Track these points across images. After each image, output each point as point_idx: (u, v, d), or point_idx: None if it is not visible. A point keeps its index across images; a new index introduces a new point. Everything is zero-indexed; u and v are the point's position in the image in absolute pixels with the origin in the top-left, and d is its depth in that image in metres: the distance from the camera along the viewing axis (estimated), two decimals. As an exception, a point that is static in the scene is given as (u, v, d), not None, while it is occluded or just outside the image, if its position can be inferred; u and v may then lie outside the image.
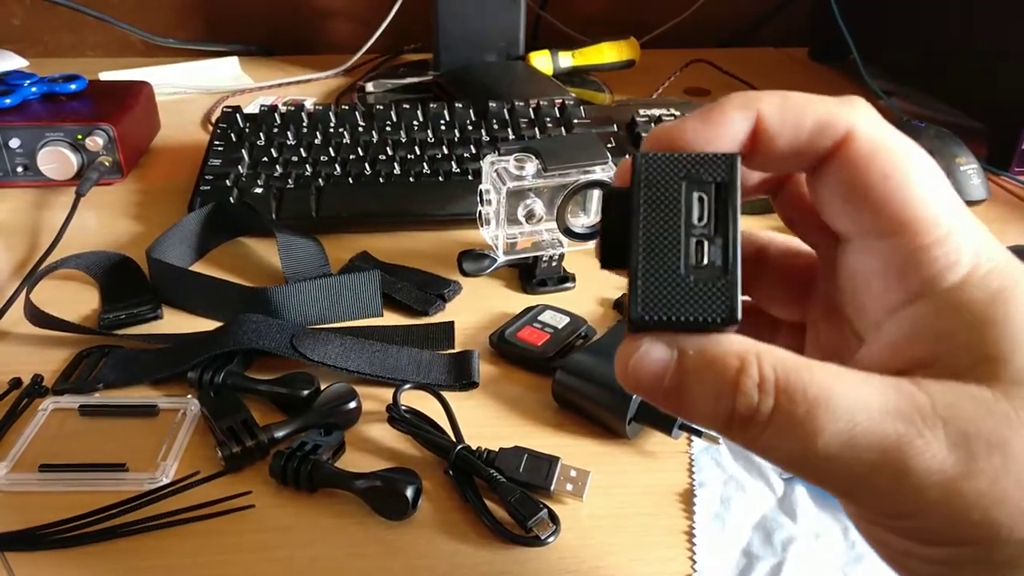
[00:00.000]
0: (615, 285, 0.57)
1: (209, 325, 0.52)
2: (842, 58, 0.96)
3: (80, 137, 0.67)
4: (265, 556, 0.37)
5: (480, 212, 0.55)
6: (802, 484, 0.41)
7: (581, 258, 0.60)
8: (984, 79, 0.78)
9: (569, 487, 0.39)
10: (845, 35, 0.89)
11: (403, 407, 0.43)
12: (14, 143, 0.67)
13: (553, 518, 0.38)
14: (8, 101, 0.68)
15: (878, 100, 0.90)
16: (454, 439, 0.42)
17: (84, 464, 0.40)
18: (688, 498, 0.40)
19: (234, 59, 1.00)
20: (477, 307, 0.54)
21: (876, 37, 0.92)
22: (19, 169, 0.68)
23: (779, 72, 1.04)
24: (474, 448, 0.41)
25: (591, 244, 0.55)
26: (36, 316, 0.50)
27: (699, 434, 0.42)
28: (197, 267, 0.58)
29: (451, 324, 0.52)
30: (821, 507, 0.39)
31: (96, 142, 0.67)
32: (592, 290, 0.57)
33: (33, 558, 0.36)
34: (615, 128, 0.73)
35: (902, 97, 0.91)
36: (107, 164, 0.68)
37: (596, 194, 0.54)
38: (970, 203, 0.69)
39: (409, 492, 0.38)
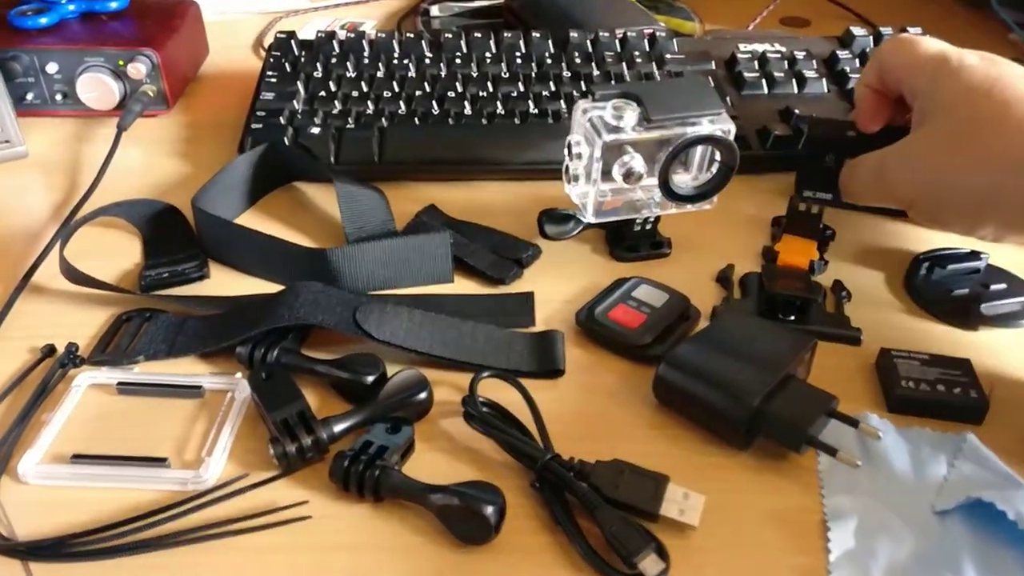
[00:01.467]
0: (716, 251, 0.50)
1: (260, 286, 0.46)
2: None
3: (121, 63, 0.61)
4: (323, 579, 0.32)
5: (566, 167, 0.47)
6: (961, 520, 0.34)
7: (677, 222, 0.52)
8: None
9: (678, 512, 0.33)
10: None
11: (481, 400, 0.37)
12: (51, 68, 0.61)
13: (661, 553, 0.32)
14: (44, 20, 0.62)
15: (1010, 33, 0.78)
16: (541, 445, 0.36)
17: (121, 456, 0.35)
18: (818, 529, 0.34)
19: (288, -24, 0.92)
20: (558, 274, 0.48)
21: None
22: (58, 96, 0.62)
23: (892, 4, 0.92)
24: (565, 459, 0.35)
25: (692, 207, 0.48)
26: (72, 273, 0.44)
27: (833, 453, 0.35)
28: (247, 216, 0.52)
29: (530, 296, 0.46)
30: (988, 555, 0.32)
31: (139, 69, 0.61)
32: (689, 259, 0.49)
33: (63, 569, 0.32)
34: (712, 65, 0.64)
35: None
36: (151, 94, 0.62)
37: (699, 149, 0.46)
38: None
39: (491, 513, 0.32)
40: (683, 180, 0.47)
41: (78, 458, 0.35)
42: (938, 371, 0.40)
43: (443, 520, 0.33)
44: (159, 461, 0.35)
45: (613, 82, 0.62)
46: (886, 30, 0.67)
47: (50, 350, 0.41)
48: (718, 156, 0.46)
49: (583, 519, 0.33)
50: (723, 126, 0.45)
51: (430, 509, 0.33)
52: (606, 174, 0.45)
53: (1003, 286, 0.46)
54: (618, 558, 0.32)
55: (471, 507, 0.32)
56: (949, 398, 0.39)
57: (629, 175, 0.45)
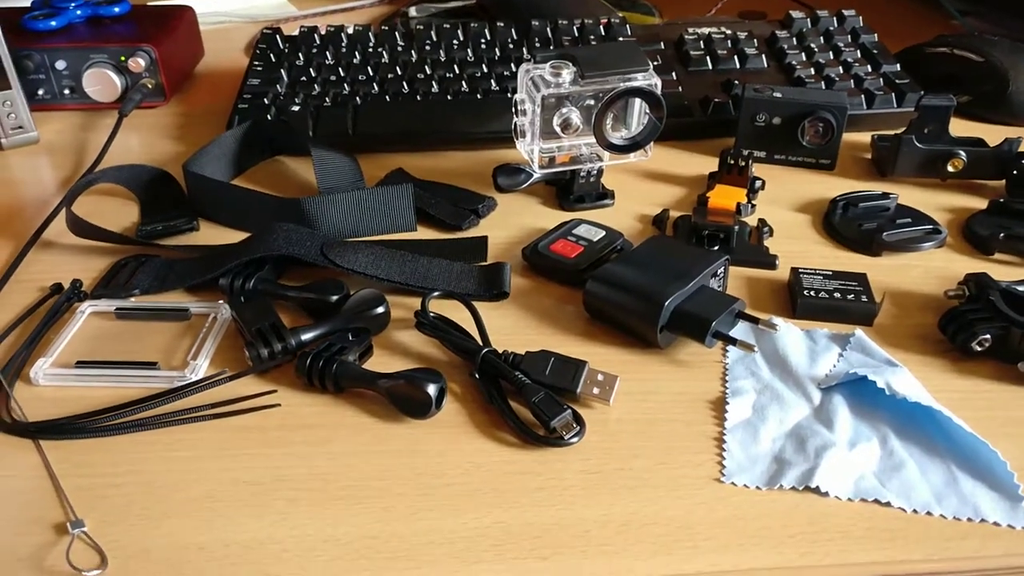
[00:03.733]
0: (655, 202, 0.55)
1: (244, 237, 0.52)
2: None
3: (123, 59, 0.67)
4: (289, 451, 0.37)
5: (515, 124, 0.53)
6: (841, 394, 0.39)
7: (620, 174, 0.58)
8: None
9: (596, 391, 0.38)
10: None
11: (431, 313, 0.43)
12: (60, 65, 0.68)
13: (578, 419, 0.37)
14: (53, 23, 0.69)
15: (952, 20, 0.84)
16: (481, 343, 0.41)
17: (118, 361, 0.41)
18: (720, 406, 0.39)
19: (279, -11, 0.99)
20: (512, 223, 0.53)
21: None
22: (65, 91, 0.69)
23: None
24: (501, 352, 0.40)
25: (632, 157, 0.54)
26: (77, 225, 0.50)
27: (734, 342, 0.40)
28: (235, 184, 0.58)
29: (484, 239, 0.51)
30: (860, 418, 0.38)
31: (139, 63, 0.67)
32: (631, 207, 0.55)
33: (68, 445, 0.37)
34: (662, 46, 0.71)
35: (978, 17, 0.85)
36: (149, 86, 0.68)
37: (638, 104, 0.52)
38: (1044, 119, 0.64)
39: (432, 390, 0.37)
40: (622, 134, 0.53)
41: (81, 363, 0.41)
42: (838, 283, 0.45)
43: (392, 400, 0.38)
44: (150, 365, 0.41)
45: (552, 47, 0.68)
46: (822, 13, 0.73)
47: (58, 288, 0.47)
48: (647, 110, 0.52)
49: (515, 401, 0.39)
50: (650, 80, 0.50)
51: (380, 392, 0.38)
52: (547, 128, 0.51)
53: (908, 220, 0.52)
54: (542, 426, 0.37)
55: (415, 385, 0.37)
56: (845, 304, 0.44)
57: (567, 126, 0.50)
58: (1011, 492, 0.34)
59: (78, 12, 0.71)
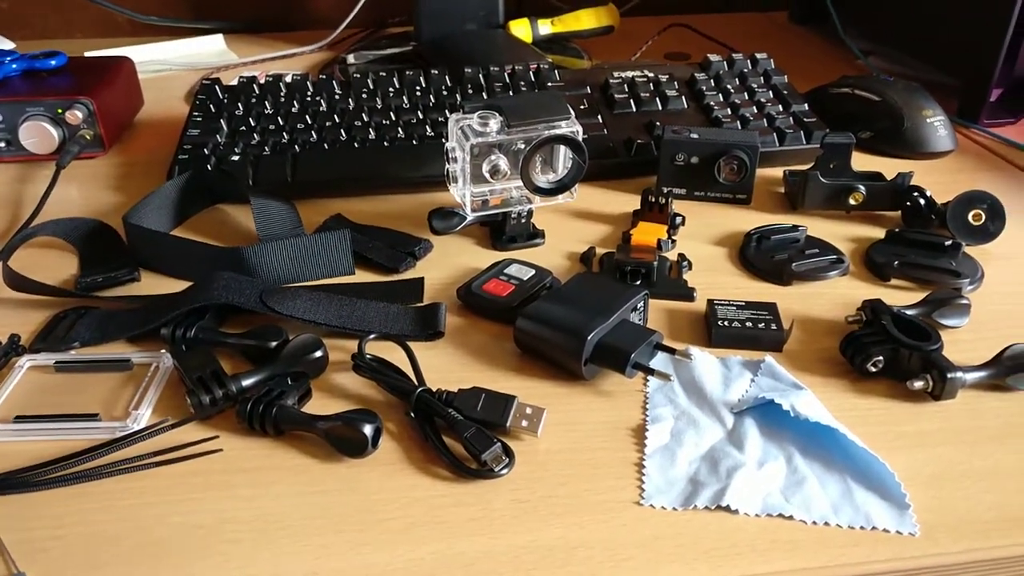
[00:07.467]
0: (583, 240, 0.58)
1: (185, 286, 0.53)
2: (822, 20, 0.96)
3: (60, 111, 0.68)
4: (232, 494, 0.38)
5: (448, 171, 0.56)
6: (752, 417, 0.42)
7: (550, 214, 0.61)
8: (957, 36, 0.78)
9: (524, 424, 0.41)
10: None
11: (368, 356, 0.45)
12: (-4, 119, 0.68)
13: (507, 452, 0.39)
14: (-11, 78, 0.69)
15: (856, 60, 0.90)
16: (416, 383, 0.43)
17: (58, 415, 0.42)
18: (641, 433, 0.42)
19: (219, 36, 1.01)
20: (447, 264, 0.56)
21: (853, -4, 0.92)
22: (1, 144, 0.69)
23: (759, 36, 1.04)
24: (435, 390, 0.42)
25: (559, 199, 0.57)
26: (14, 279, 0.51)
27: (652, 372, 0.43)
28: (176, 233, 0.60)
29: (420, 280, 0.54)
30: (768, 438, 0.41)
31: (76, 116, 0.68)
32: (561, 246, 0.58)
33: (9, 500, 0.38)
34: (588, 90, 0.74)
35: (880, 57, 0.92)
36: (88, 137, 0.69)
37: (563, 150, 0.55)
38: (937, 154, 0.70)
39: (368, 430, 0.39)
40: (549, 177, 0.56)
41: (20, 418, 0.42)
42: (749, 313, 0.49)
43: (330, 441, 0.40)
44: (91, 416, 0.42)
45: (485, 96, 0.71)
46: (738, 56, 0.78)
47: (-3, 342, 0.48)
48: (571, 154, 0.55)
49: (449, 437, 0.41)
50: (571, 128, 0.54)
51: (319, 434, 0.40)
52: (477, 174, 0.54)
53: (816, 250, 0.56)
54: (473, 460, 0.39)
55: (351, 426, 0.39)
56: (756, 332, 0.47)
57: (495, 172, 0.53)
58: (899, 501, 0.37)
59: (13, 66, 0.71)
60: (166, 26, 1.04)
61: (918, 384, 0.43)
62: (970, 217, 0.56)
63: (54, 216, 0.59)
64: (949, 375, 0.43)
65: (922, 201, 0.58)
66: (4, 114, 0.68)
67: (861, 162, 0.67)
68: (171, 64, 0.93)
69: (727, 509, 0.37)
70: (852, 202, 0.59)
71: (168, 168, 0.64)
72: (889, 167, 0.64)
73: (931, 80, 0.77)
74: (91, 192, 0.66)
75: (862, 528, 0.36)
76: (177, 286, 0.53)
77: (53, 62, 0.73)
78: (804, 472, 0.39)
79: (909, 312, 0.47)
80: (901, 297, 0.51)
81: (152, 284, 0.54)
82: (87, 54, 0.90)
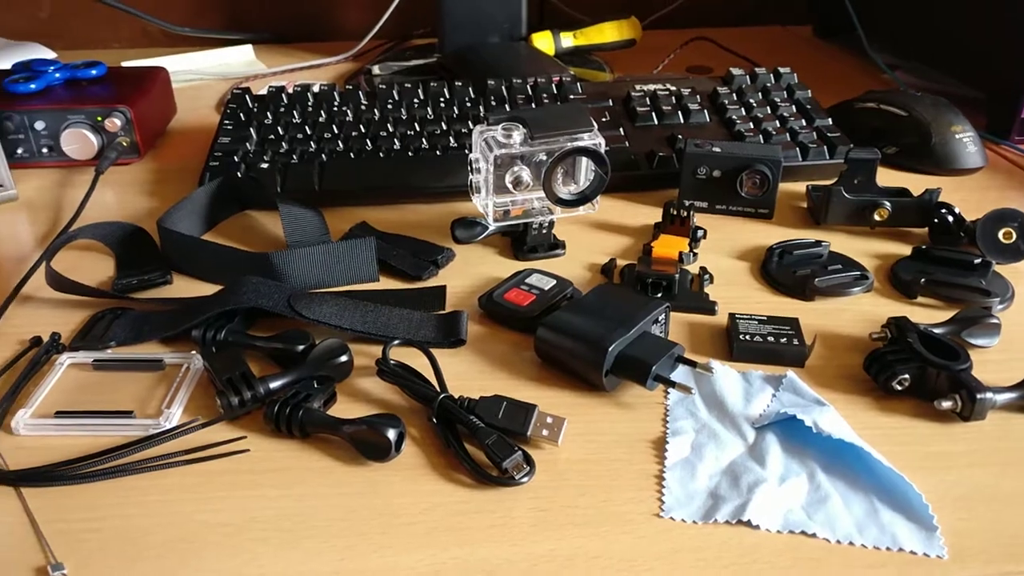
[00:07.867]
0: (604, 251, 0.59)
1: (215, 290, 0.54)
2: (846, 34, 0.97)
3: (100, 119, 0.70)
4: (258, 494, 0.39)
5: (471, 181, 0.57)
6: (773, 432, 0.42)
7: (571, 225, 0.62)
8: (985, 50, 0.78)
9: (545, 432, 0.41)
10: (849, 10, 0.90)
11: (392, 361, 0.46)
12: (39, 125, 0.70)
13: (528, 460, 0.40)
14: (33, 86, 0.72)
15: (882, 74, 0.90)
16: (439, 389, 0.44)
17: (96, 411, 0.43)
18: (661, 445, 0.42)
19: (249, 47, 1.03)
20: (469, 273, 0.57)
21: (880, 12, 0.92)
22: (44, 150, 0.71)
23: (782, 49, 1.04)
24: (457, 397, 0.43)
25: (580, 210, 0.58)
26: (55, 280, 0.53)
27: (673, 385, 0.44)
28: (206, 238, 0.61)
29: (443, 288, 0.55)
30: (790, 454, 0.41)
31: (114, 123, 0.70)
32: (581, 256, 0.59)
33: (48, 492, 0.39)
34: (610, 103, 0.75)
35: (907, 71, 0.92)
36: (125, 144, 0.71)
37: (585, 162, 0.56)
38: (966, 170, 0.70)
39: (392, 434, 0.40)
40: (571, 189, 0.57)
41: (61, 413, 0.43)
42: (771, 327, 0.49)
43: (355, 444, 0.41)
44: (126, 414, 0.43)
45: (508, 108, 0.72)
46: (760, 70, 0.79)
47: (37, 341, 0.49)
48: (593, 166, 0.56)
49: (470, 444, 0.41)
50: (594, 140, 0.54)
51: (343, 437, 0.41)
52: (500, 184, 0.55)
53: (839, 266, 0.56)
54: (494, 467, 0.40)
55: (375, 430, 0.40)
56: (778, 347, 0.48)
57: (518, 183, 0.54)
58: (926, 523, 0.37)
59: (56, 75, 0.74)
60: (198, 36, 1.06)
61: (946, 404, 0.43)
62: (1000, 235, 0.55)
63: (92, 220, 0.61)
64: (979, 395, 0.42)
65: (950, 218, 0.58)
66: (47, 121, 0.70)
67: (887, 178, 0.67)
68: (203, 73, 0.95)
69: (748, 524, 0.37)
70: (877, 218, 0.60)
71: (200, 175, 0.66)
72: (916, 183, 0.64)
73: (959, 94, 0.77)
74: (127, 197, 0.68)
75: (888, 549, 0.36)
76: (208, 289, 0.54)
77: (94, 71, 0.75)
78: (827, 489, 0.39)
79: (936, 330, 0.47)
80: (927, 315, 0.51)
81: (184, 287, 0.55)
82: (123, 63, 0.93)
